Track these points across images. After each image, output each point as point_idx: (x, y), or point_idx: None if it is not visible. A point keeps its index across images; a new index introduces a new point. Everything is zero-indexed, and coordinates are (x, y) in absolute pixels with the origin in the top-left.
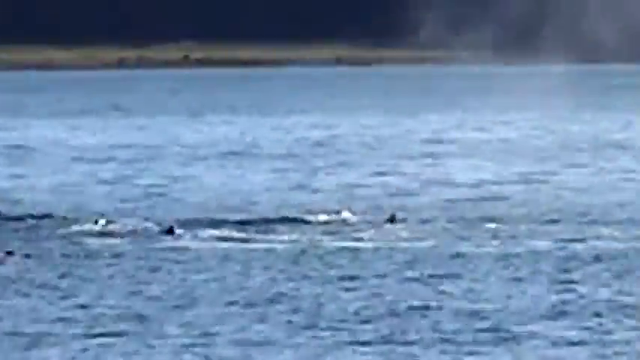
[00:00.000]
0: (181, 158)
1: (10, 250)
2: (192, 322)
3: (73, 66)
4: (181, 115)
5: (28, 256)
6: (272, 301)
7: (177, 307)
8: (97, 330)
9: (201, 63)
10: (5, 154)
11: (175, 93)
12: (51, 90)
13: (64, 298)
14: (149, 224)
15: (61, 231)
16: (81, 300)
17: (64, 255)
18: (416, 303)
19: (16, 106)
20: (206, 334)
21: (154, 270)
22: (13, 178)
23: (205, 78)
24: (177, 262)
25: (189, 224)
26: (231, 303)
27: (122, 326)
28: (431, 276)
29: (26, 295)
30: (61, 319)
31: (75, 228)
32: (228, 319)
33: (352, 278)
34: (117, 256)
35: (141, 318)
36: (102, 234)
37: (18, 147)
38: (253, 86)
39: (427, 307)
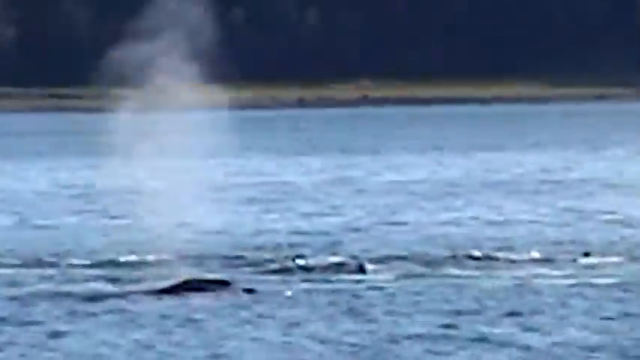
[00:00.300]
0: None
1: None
2: None
3: (253, 106)
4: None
5: (248, 290)
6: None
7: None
8: None
9: (379, 101)
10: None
11: (353, 131)
12: (244, 129)
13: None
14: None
15: (273, 265)
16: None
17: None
18: None
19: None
20: None
21: (349, 309)
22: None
23: (384, 117)
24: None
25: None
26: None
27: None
28: None
29: (250, 323)
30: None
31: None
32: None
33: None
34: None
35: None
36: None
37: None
38: (429, 123)
39: None
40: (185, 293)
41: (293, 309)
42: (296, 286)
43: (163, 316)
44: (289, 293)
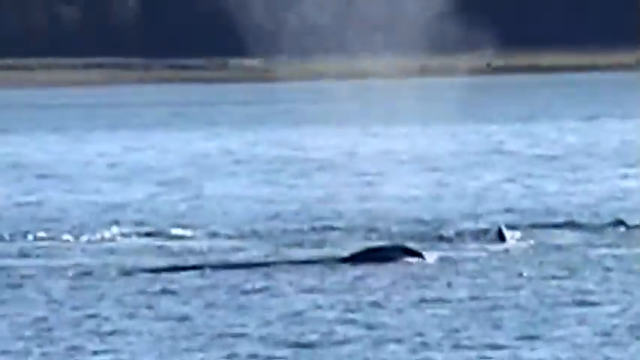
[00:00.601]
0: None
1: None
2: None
3: (377, 74)
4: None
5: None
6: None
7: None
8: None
9: (503, 70)
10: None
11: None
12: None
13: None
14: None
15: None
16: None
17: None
18: None
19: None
20: None
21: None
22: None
23: (506, 86)
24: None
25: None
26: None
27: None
28: None
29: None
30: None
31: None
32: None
33: None
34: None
35: None
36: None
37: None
38: (555, 92)
39: None
40: (368, 261)
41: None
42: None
43: (342, 283)
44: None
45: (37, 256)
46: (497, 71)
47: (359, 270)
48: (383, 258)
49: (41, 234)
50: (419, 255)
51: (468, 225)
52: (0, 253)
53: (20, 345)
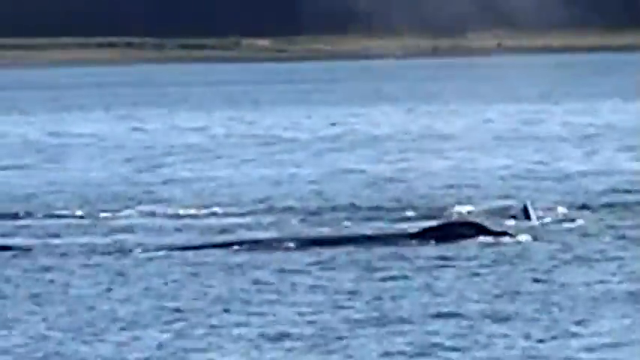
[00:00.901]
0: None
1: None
2: None
3: (387, 55)
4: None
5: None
6: None
7: None
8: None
9: (513, 50)
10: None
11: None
12: (372, 79)
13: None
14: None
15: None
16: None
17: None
18: None
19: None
20: None
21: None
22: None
23: (518, 66)
24: None
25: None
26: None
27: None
28: None
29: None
30: None
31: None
32: None
33: None
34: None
35: None
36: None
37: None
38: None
39: None
40: (439, 238)
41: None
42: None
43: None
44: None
45: (75, 234)
46: (508, 51)
47: (431, 247)
48: (454, 234)
49: (78, 212)
50: (494, 232)
51: (494, 202)
52: (34, 231)
53: (68, 321)
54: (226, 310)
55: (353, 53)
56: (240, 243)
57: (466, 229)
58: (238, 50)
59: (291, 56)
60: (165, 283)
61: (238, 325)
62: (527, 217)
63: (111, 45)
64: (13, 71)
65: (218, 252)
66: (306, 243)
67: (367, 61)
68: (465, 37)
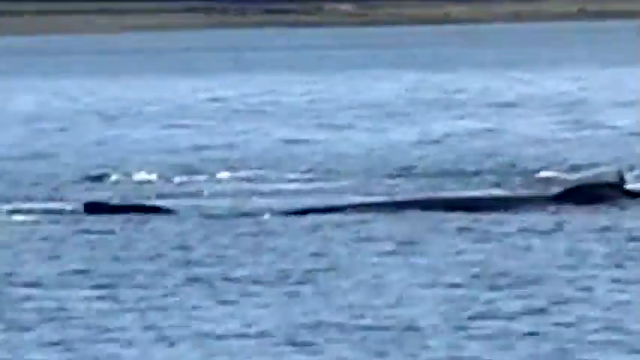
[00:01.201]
0: None
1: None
2: None
3: (466, 20)
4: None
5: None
6: None
7: None
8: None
9: (597, 15)
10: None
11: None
12: (448, 44)
13: None
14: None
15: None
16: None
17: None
18: None
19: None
20: None
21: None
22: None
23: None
24: None
25: None
26: None
27: None
28: None
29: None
30: None
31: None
32: None
33: None
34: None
35: None
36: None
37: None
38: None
39: None
40: (580, 199)
41: None
42: None
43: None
44: None
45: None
46: (592, 16)
47: (572, 208)
48: (595, 196)
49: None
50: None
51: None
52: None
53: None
54: (347, 274)
55: (436, 18)
56: (356, 206)
57: (608, 190)
58: (320, 15)
59: (373, 20)
60: (294, 248)
61: (354, 288)
62: (623, 182)
63: (193, 10)
64: (98, 37)
65: (336, 216)
66: (437, 205)
67: (449, 26)
68: (547, 2)
